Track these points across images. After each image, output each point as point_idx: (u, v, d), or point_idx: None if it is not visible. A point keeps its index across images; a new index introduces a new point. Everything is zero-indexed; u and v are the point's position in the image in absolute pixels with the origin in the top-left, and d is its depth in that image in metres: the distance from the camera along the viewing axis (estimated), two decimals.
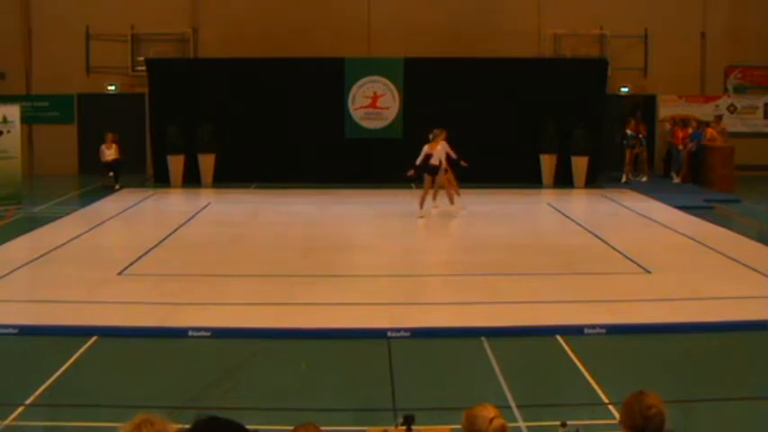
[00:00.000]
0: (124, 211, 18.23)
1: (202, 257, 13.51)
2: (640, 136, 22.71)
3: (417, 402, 7.39)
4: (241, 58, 22.54)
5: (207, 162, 22.12)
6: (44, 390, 7.89)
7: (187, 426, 3.21)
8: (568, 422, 4.79)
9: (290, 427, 3.77)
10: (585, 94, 21.98)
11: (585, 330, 9.65)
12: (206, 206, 18.78)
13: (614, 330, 9.73)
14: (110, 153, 21.68)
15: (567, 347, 9.14)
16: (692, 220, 16.98)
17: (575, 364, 8.68)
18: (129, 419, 3.14)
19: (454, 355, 9.23)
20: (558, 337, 9.42)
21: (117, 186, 21.24)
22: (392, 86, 22.57)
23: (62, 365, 8.52)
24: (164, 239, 14.90)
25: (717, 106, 24.44)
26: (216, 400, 7.70)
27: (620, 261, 13.30)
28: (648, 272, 12.47)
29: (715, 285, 11.75)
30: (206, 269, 12.64)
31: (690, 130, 22.75)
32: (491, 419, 3.63)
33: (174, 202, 20.49)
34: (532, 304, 10.84)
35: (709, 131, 22.45)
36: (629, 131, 22.76)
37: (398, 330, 9.61)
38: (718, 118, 23.43)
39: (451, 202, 17.38)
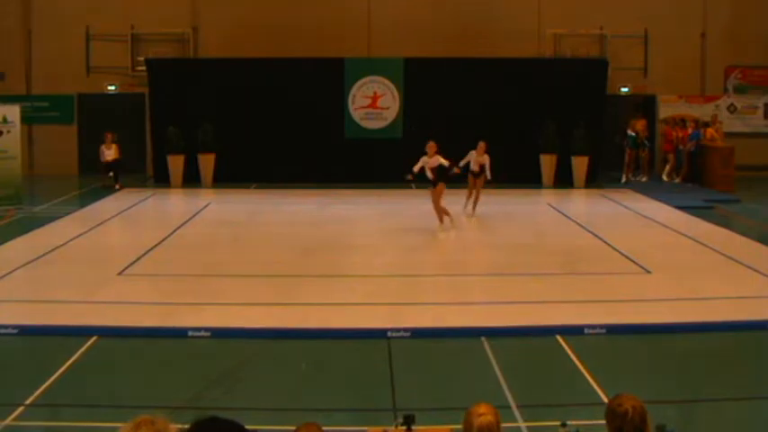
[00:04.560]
0: (124, 211, 18.23)
1: (202, 257, 13.51)
2: (642, 136, 22.75)
3: (417, 402, 7.39)
4: (241, 58, 22.55)
5: (207, 162, 22.12)
6: (44, 390, 7.89)
7: (187, 426, 3.21)
8: (568, 422, 4.80)
9: (291, 428, 3.78)
10: (585, 94, 21.99)
11: (585, 330, 9.66)
12: (206, 206, 18.78)
13: (614, 330, 9.73)
14: (110, 153, 21.69)
15: (567, 347, 9.15)
16: (692, 220, 16.98)
17: (575, 364, 8.68)
18: (129, 419, 3.14)
19: (454, 355, 9.23)
20: (558, 337, 9.43)
21: (117, 186, 21.25)
22: (392, 86, 22.57)
23: (62, 365, 8.52)
24: (164, 239, 14.90)
25: (716, 106, 24.44)
26: (216, 400, 7.70)
27: (620, 261, 13.30)
28: (648, 272, 12.48)
29: (715, 285, 11.75)
30: (206, 269, 12.64)
31: (689, 130, 22.77)
32: (480, 415, 3.71)
33: (174, 202, 20.49)
34: (532, 304, 10.84)
35: (709, 132, 22.46)
36: (629, 132, 22.78)
37: (398, 330, 9.61)
38: (715, 117, 23.41)
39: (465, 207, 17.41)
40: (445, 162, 15.36)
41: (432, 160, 15.33)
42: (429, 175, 15.44)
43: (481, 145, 16.99)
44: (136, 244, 14.30)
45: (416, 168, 15.41)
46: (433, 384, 8.31)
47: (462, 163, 16.51)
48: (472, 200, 17.23)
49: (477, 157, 16.93)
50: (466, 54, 22.76)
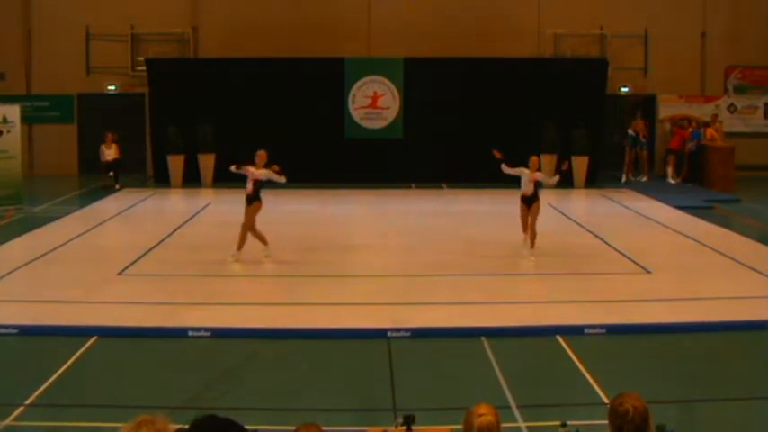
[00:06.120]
0: (124, 211, 18.23)
1: (202, 257, 13.50)
2: (641, 136, 22.75)
3: (417, 402, 7.39)
4: (241, 58, 22.55)
5: (207, 162, 22.12)
6: (44, 390, 7.89)
7: (187, 426, 3.21)
8: (568, 422, 4.80)
9: (291, 428, 3.77)
10: (585, 94, 21.99)
11: (585, 330, 9.67)
12: (206, 206, 18.78)
13: (614, 330, 9.74)
14: (110, 153, 21.69)
15: (567, 347, 9.15)
16: (692, 220, 16.98)
17: (575, 364, 8.68)
18: (130, 419, 3.14)
19: (454, 355, 9.23)
20: (558, 337, 9.43)
21: (117, 186, 21.26)
22: (392, 86, 22.58)
23: (62, 365, 8.53)
24: (164, 239, 14.90)
25: (716, 106, 24.44)
26: (216, 400, 7.70)
27: (620, 261, 13.30)
28: (648, 272, 12.48)
29: (715, 285, 11.75)
30: (206, 269, 12.64)
31: (689, 130, 22.77)
32: (480, 415, 3.71)
33: (174, 202, 20.49)
34: (532, 304, 10.85)
35: (709, 131, 22.47)
36: (629, 132, 22.79)
37: (398, 330, 9.62)
38: (715, 117, 23.41)
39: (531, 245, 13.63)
40: (279, 178, 13.15)
41: (258, 172, 13.00)
42: (248, 188, 13.02)
43: (534, 160, 13.64)
44: (136, 244, 14.29)
45: (236, 169, 13.09)
46: (433, 384, 8.31)
47: (509, 170, 13.77)
48: (529, 234, 13.59)
49: (531, 175, 13.54)
50: (466, 54, 22.76)
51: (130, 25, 23.70)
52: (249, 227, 13.10)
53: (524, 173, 13.61)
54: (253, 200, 13.07)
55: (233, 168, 13.19)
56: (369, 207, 18.87)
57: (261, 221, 17.00)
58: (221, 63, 22.73)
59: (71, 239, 14.69)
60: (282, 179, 13.20)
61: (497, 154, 13.75)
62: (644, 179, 22.71)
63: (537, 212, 13.62)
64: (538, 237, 13.46)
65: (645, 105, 24.51)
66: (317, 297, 11.09)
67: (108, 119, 23.26)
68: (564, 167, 14.45)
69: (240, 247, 13.12)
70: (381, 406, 7.67)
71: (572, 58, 23.69)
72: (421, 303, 10.83)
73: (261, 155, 13.15)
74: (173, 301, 10.88)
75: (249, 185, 13.04)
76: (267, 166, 13.10)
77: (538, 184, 13.65)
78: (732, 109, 24.80)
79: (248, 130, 22.07)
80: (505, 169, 13.77)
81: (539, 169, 13.78)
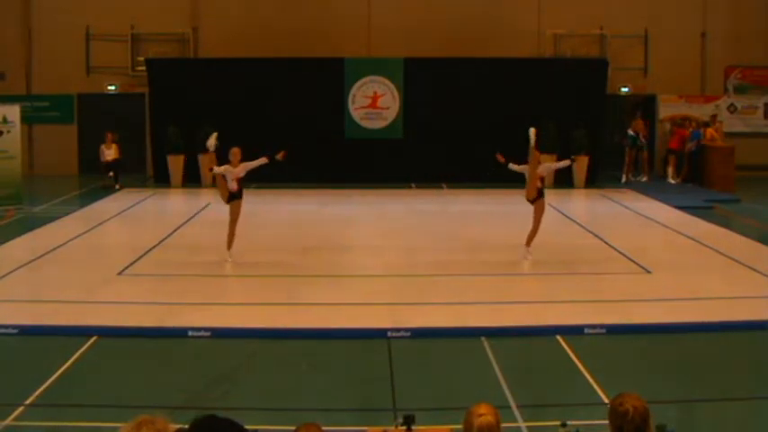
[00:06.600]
0: (124, 211, 18.23)
1: (202, 257, 13.50)
2: (641, 136, 22.75)
3: (417, 402, 7.39)
4: (241, 58, 22.55)
5: (207, 162, 22.08)
6: (44, 390, 7.89)
7: (187, 426, 3.21)
8: (568, 422, 4.81)
9: (291, 428, 3.78)
10: (585, 94, 22.00)
11: (585, 330, 9.67)
12: (206, 206, 18.78)
13: (614, 330, 9.73)
14: (110, 153, 21.70)
15: (567, 347, 9.15)
16: (692, 220, 16.98)
17: (575, 364, 8.69)
18: (130, 419, 3.14)
19: (454, 355, 9.23)
20: (558, 337, 9.43)
21: (117, 186, 21.26)
22: (392, 86, 22.58)
23: (62, 365, 8.53)
24: (164, 239, 14.91)
25: (716, 106, 24.44)
26: (216, 400, 7.70)
27: (620, 261, 13.30)
28: (648, 272, 12.48)
29: (715, 285, 11.75)
30: (206, 269, 12.64)
31: (689, 130, 22.77)
32: (480, 415, 3.72)
33: (174, 202, 20.49)
34: (532, 304, 10.84)
35: (709, 132, 22.47)
36: (629, 132, 22.80)
37: (398, 330, 9.62)
38: (714, 117, 23.42)
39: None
40: (260, 162, 12.97)
41: (237, 170, 12.87)
42: (233, 186, 12.91)
43: (535, 155, 13.27)
44: (136, 244, 14.30)
45: (218, 171, 12.97)
46: (433, 384, 8.31)
47: (515, 168, 13.46)
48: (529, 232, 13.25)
49: (532, 173, 13.14)
50: (466, 54, 22.77)
51: (130, 25, 23.70)
52: (233, 223, 12.99)
53: (526, 170, 13.29)
54: (236, 197, 13.01)
55: (214, 169, 13.14)
56: (369, 207, 18.87)
57: (260, 221, 17.06)
58: (221, 63, 22.74)
59: (71, 239, 14.69)
60: (264, 160, 13.00)
61: (500, 158, 13.58)
62: (644, 179, 22.72)
63: (542, 211, 13.23)
64: (539, 236, 13.38)
65: (645, 105, 24.53)
66: (317, 297, 11.08)
67: (108, 119, 23.27)
68: (572, 160, 15.00)
69: (230, 245, 13.05)
70: (381, 406, 7.67)
71: (572, 58, 23.69)
72: (421, 303, 10.83)
73: (235, 152, 13.02)
74: (173, 301, 10.88)
75: (233, 184, 12.96)
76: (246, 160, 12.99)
77: (542, 182, 13.33)
78: (732, 109, 24.81)
79: (248, 129, 22.05)
80: (512, 167, 13.61)
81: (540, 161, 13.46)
